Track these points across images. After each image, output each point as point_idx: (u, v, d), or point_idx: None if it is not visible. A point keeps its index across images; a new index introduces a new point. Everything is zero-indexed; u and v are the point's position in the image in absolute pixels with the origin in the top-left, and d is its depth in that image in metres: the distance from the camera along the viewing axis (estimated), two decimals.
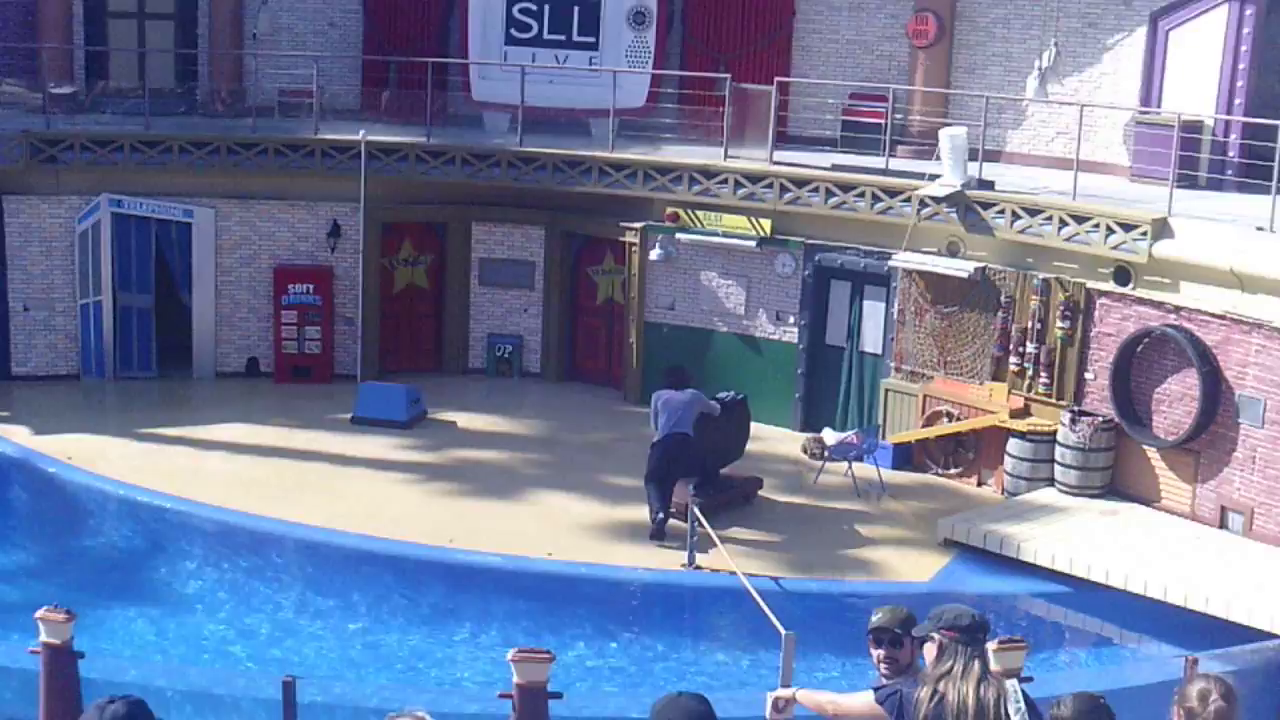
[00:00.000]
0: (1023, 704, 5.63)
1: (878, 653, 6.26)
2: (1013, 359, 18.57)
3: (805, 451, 19.60)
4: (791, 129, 22.11)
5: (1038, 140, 21.75)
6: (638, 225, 21.28)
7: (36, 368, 21.76)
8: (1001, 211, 18.49)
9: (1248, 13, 19.79)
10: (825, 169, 20.24)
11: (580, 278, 22.54)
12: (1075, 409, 17.90)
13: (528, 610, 15.63)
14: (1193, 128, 19.15)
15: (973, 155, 19.16)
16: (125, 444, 19.23)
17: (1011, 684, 5.68)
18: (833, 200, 19.83)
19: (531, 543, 16.47)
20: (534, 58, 22.91)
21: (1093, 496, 17.63)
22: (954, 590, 15.78)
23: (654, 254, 21.15)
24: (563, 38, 23.52)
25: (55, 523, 18.09)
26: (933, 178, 19.16)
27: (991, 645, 11.47)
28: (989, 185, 19.02)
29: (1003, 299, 18.62)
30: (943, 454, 19.17)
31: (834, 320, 20.49)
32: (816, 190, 19.95)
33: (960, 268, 18.80)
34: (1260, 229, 16.75)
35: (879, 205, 19.50)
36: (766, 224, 20.42)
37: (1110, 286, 17.78)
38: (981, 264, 18.79)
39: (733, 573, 15.03)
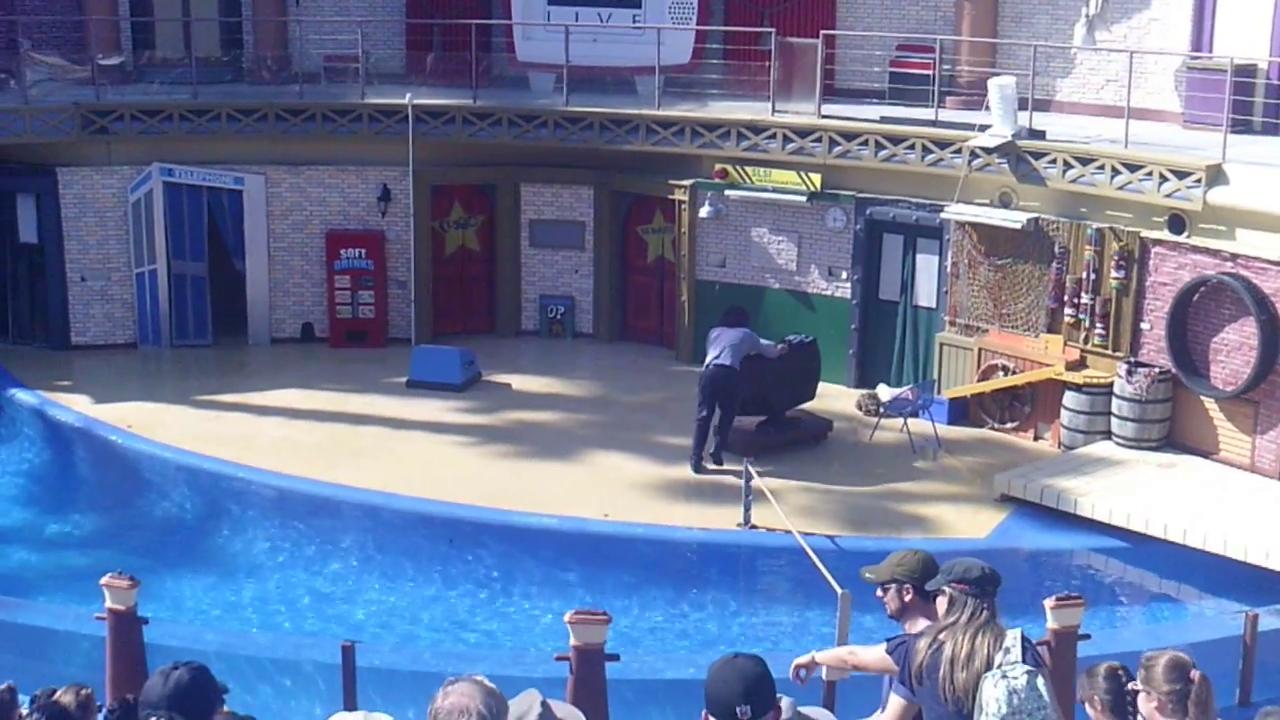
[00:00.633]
0: (1017, 651, 5.58)
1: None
2: (1067, 311, 18.43)
3: (860, 408, 19.56)
4: (839, 82, 21.93)
5: (1087, 88, 21.48)
6: (686, 183, 21.22)
7: (95, 337, 22.01)
8: (1053, 161, 18.31)
9: None
10: (874, 121, 20.09)
11: (630, 237, 22.51)
12: (1131, 360, 17.75)
13: (584, 572, 15.70)
14: (1246, 71, 18.85)
15: (1022, 105, 18.95)
16: (183, 411, 19.43)
17: (1013, 632, 5.65)
18: (882, 153, 19.69)
19: (587, 504, 16.54)
20: (577, 16, 22.79)
21: (1150, 449, 17.50)
22: (1011, 546, 15.75)
23: (704, 211, 21.09)
24: None
25: (117, 490, 18.32)
26: (983, 128, 18.98)
27: (1049, 602, 11.49)
28: (1040, 135, 18.82)
29: (1056, 250, 18.46)
30: (998, 408, 19.06)
31: (887, 274, 20.39)
32: (866, 143, 19.81)
33: (1013, 219, 18.65)
34: None
35: (929, 157, 19.35)
36: (816, 178, 20.31)
37: (1165, 235, 17.58)
38: (1034, 215, 18.62)
39: (788, 531, 15.05)
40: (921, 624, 6.16)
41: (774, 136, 20.40)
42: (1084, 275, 18.20)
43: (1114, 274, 17.93)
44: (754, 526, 15.85)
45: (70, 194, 21.59)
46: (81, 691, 6.14)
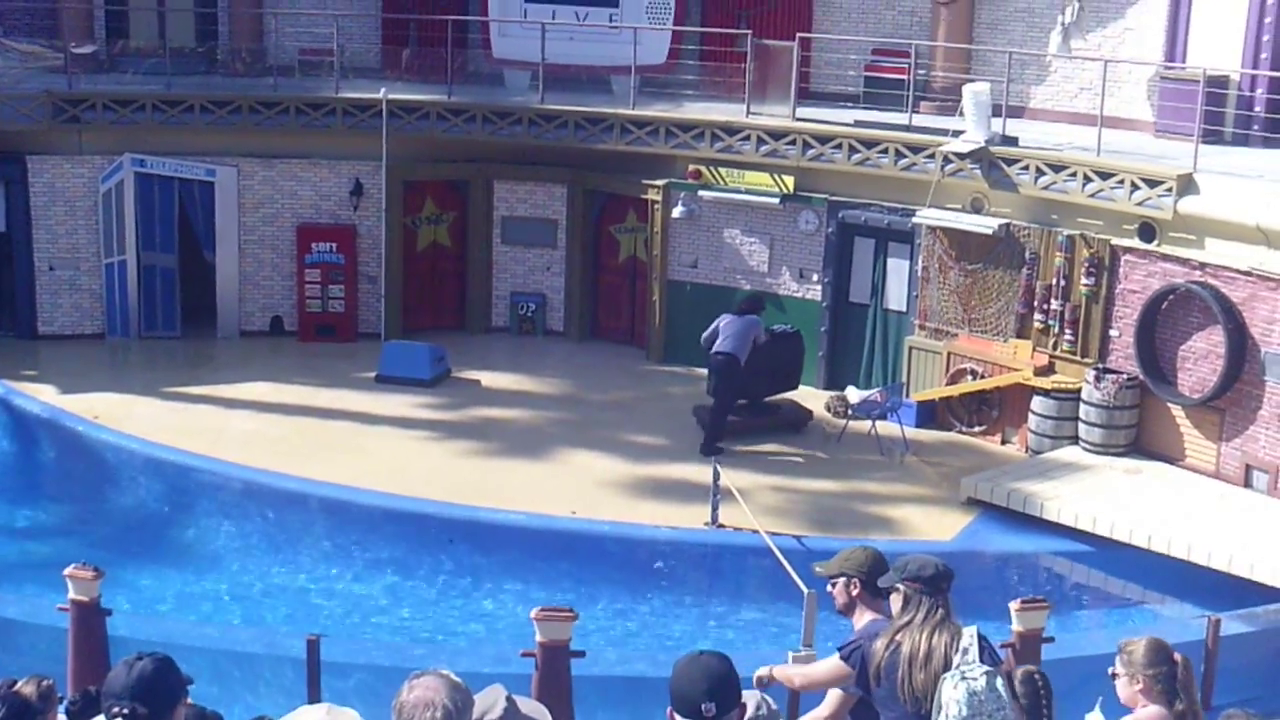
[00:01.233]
0: (975, 649, 5.59)
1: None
2: (1037, 316, 18.51)
3: (829, 409, 19.60)
4: (814, 85, 21.98)
5: (1061, 96, 21.58)
6: (660, 183, 21.22)
7: (62, 327, 21.87)
8: (1025, 168, 18.39)
9: None
10: (848, 125, 20.14)
11: (603, 236, 22.51)
12: (1100, 366, 17.84)
13: (551, 569, 15.68)
14: (1218, 83, 18.97)
15: (996, 111, 19.02)
16: (150, 403, 19.32)
17: (969, 630, 5.67)
18: (856, 157, 19.75)
19: (555, 501, 16.53)
20: (554, 15, 22.78)
21: (1117, 455, 17.59)
22: (977, 548, 15.81)
23: (676, 212, 21.10)
24: None
25: (82, 481, 18.20)
26: (956, 134, 19.05)
27: (1014, 605, 11.53)
28: (1013, 141, 18.90)
29: (1027, 256, 18.54)
30: (966, 412, 19.14)
31: (858, 278, 20.44)
32: (839, 146, 19.86)
33: (984, 224, 18.72)
34: None
35: (902, 162, 19.40)
36: (789, 181, 20.35)
37: (1135, 243, 17.68)
38: (1005, 221, 18.69)
39: (755, 531, 15.07)
40: (868, 617, 6.23)
41: (748, 138, 20.43)
42: (1054, 281, 18.28)
43: (1084, 281, 18.02)
44: (721, 525, 15.87)
45: (40, 182, 21.44)
46: (43, 683, 6.10)
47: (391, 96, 21.35)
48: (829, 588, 6.46)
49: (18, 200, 21.44)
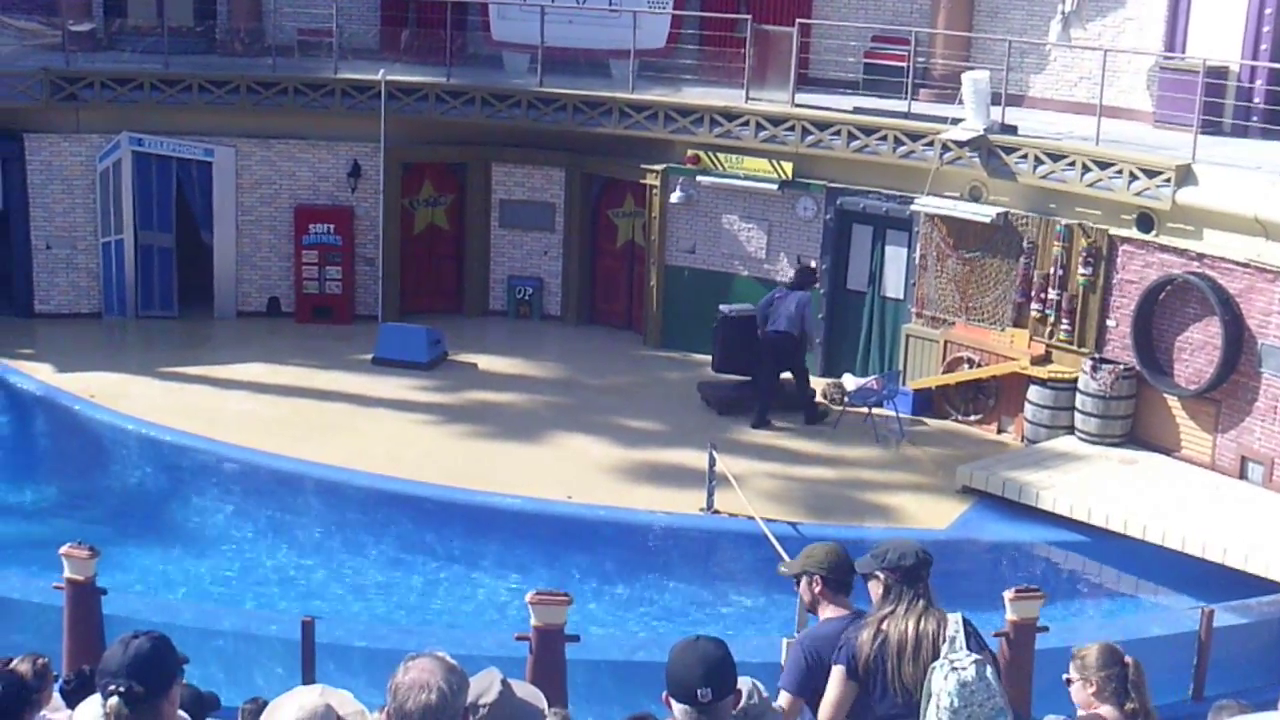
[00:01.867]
0: (961, 634, 5.56)
1: None
2: (1034, 305, 18.51)
3: (825, 396, 19.60)
4: (813, 71, 21.94)
5: (1061, 85, 21.56)
6: (658, 167, 21.20)
7: (59, 306, 21.84)
8: (1024, 156, 18.38)
9: None
10: (847, 112, 20.12)
11: (600, 220, 22.49)
12: (1096, 356, 17.85)
13: (546, 553, 15.70)
14: (1217, 73, 18.96)
15: (995, 99, 19.00)
16: (147, 382, 19.31)
17: (954, 617, 5.65)
18: (855, 144, 19.73)
19: (551, 485, 16.53)
20: None
21: (1113, 445, 17.60)
22: (972, 537, 15.84)
23: (674, 196, 21.08)
24: None
25: (78, 460, 18.22)
26: (955, 122, 19.03)
27: (1008, 594, 11.54)
28: (1012, 130, 18.88)
29: (1025, 245, 18.54)
30: (963, 400, 19.14)
31: (855, 265, 20.43)
32: (838, 133, 19.84)
33: (982, 213, 18.71)
34: None
35: (901, 149, 19.38)
36: (788, 167, 20.34)
37: (1133, 233, 17.68)
38: (1004, 209, 18.69)
39: (750, 517, 15.09)
40: (831, 612, 6.16)
41: (747, 124, 20.40)
42: (1052, 271, 18.28)
43: (1081, 270, 18.02)
44: (717, 511, 15.88)
45: (37, 161, 21.40)
46: (38, 661, 6.11)
47: (390, 78, 21.31)
48: (794, 586, 6.39)
49: (15, 178, 21.40)
